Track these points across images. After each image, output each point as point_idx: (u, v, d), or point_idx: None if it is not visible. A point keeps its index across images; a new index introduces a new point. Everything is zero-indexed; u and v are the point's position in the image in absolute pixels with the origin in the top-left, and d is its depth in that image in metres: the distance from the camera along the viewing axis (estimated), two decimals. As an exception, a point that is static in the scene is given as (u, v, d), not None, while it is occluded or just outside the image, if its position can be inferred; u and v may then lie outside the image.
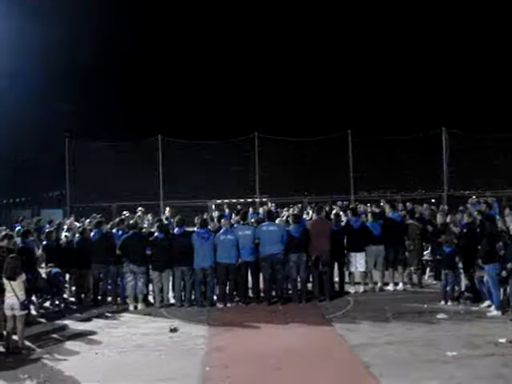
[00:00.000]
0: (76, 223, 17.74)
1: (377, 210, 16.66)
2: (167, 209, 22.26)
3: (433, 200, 26.13)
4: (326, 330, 11.11)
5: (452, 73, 40.52)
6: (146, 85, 41.15)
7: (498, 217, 14.44)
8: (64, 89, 36.40)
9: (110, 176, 27.33)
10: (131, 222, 15.07)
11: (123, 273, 13.87)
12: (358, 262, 14.43)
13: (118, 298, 14.13)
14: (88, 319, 12.77)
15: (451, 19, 41.46)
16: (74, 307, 14.05)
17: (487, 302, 12.18)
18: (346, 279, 14.69)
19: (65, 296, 14.50)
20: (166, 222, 16.43)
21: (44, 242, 14.60)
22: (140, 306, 13.61)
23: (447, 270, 12.92)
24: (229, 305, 13.52)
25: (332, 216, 15.50)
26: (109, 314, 13.13)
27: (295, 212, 17.29)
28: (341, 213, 16.89)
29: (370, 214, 15.40)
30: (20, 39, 30.20)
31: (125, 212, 18.69)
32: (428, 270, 15.94)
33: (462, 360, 8.84)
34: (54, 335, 11.40)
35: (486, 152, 27.01)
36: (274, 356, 9.35)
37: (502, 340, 9.72)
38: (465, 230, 13.13)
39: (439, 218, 15.06)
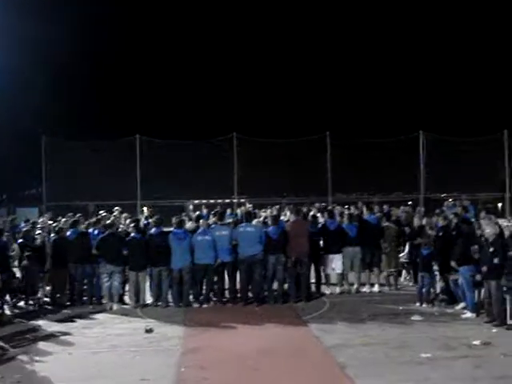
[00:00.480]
0: (49, 222, 17.55)
1: (356, 212, 16.69)
2: (144, 208, 22.16)
3: (410, 202, 26.29)
4: (302, 331, 11.13)
5: (430, 77, 40.90)
6: (125, 84, 40.93)
7: (473, 220, 14.60)
8: (41, 86, 36.08)
9: (87, 175, 27.15)
10: (108, 221, 14.97)
11: (99, 273, 13.79)
12: (335, 263, 14.51)
13: (94, 298, 14.05)
14: (63, 319, 12.65)
15: (429, 24, 41.86)
16: (49, 307, 13.91)
17: (462, 305, 12.29)
18: (322, 280, 14.75)
19: (39, 296, 14.34)
20: (145, 221, 16.37)
21: (20, 240, 14.44)
22: (115, 306, 13.53)
23: (424, 273, 13.02)
24: (205, 305, 13.50)
25: (309, 217, 15.55)
26: (84, 315, 13.00)
27: (273, 213, 17.29)
28: (318, 214, 16.91)
29: (346, 216, 15.47)
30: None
31: (101, 212, 18.54)
32: (404, 272, 16.03)
33: (437, 361, 8.90)
34: (28, 335, 11.25)
35: (462, 155, 27.26)
36: (250, 357, 9.35)
37: (476, 342, 9.81)
38: (440, 233, 13.25)
39: (416, 221, 15.18)
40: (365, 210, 16.30)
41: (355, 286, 14.75)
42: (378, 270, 15.05)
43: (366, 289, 14.79)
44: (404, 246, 15.22)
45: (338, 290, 14.64)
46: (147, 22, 43.11)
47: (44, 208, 26.78)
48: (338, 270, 14.61)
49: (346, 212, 16.70)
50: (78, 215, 16.72)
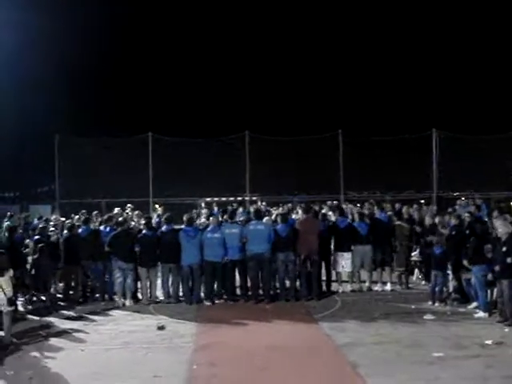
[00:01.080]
0: (62, 219, 17.66)
1: (366, 211, 16.67)
2: (156, 206, 22.22)
3: (422, 201, 26.18)
4: (313, 329, 11.14)
5: (443, 75, 40.66)
6: (138, 81, 41.01)
7: (486, 219, 14.54)
8: (54, 84, 36.25)
9: (100, 172, 27.19)
10: (120, 219, 15.06)
11: (112, 270, 13.89)
12: (345, 261, 14.53)
13: (106, 295, 14.13)
14: (75, 316, 12.74)
15: (440, 21, 41.62)
16: (62, 304, 14.00)
17: (474, 304, 12.25)
18: (334, 278, 14.76)
19: (52, 292, 14.42)
20: (157, 219, 16.44)
21: (36, 237, 14.53)
22: (128, 302, 13.62)
23: (437, 271, 12.97)
24: (217, 301, 13.58)
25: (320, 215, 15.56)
26: (96, 311, 13.10)
27: (285, 211, 17.35)
28: (330, 212, 16.91)
29: (356, 214, 15.50)
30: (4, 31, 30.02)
31: (116, 209, 18.63)
32: (416, 270, 15.98)
33: (448, 361, 8.89)
34: (41, 332, 11.32)
35: (475, 154, 27.08)
36: (261, 355, 9.38)
37: (488, 341, 9.79)
38: (453, 232, 13.20)
39: (427, 220, 15.13)
40: (375, 208, 16.27)
41: (367, 284, 14.75)
42: (390, 268, 15.01)
43: (377, 287, 14.77)
44: (417, 244, 15.18)
45: (349, 287, 14.66)
46: (160, 19, 43.14)
47: (57, 205, 26.92)
48: (348, 269, 14.63)
49: (356, 210, 16.73)
50: (95, 212, 16.84)
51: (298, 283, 14.01)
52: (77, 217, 16.86)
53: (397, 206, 18.31)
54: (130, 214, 17.84)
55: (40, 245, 13.75)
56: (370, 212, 16.09)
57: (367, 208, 17.07)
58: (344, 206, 20.19)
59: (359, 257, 14.62)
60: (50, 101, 35.33)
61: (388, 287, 14.74)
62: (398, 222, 15.25)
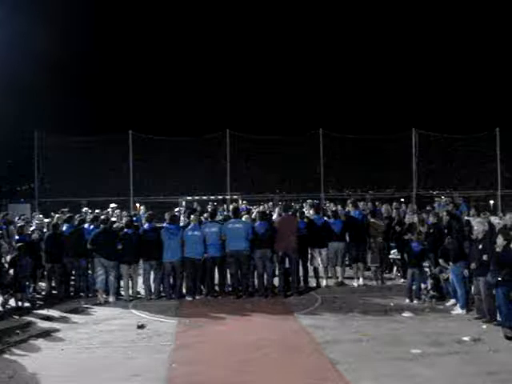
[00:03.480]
0: (45, 220, 17.57)
1: (346, 209, 16.90)
2: (137, 205, 22.17)
3: (402, 199, 26.38)
4: (294, 327, 11.17)
5: (423, 75, 41.03)
6: (119, 80, 40.93)
7: (466, 217, 14.72)
8: (33, 81, 35.99)
9: (80, 171, 27.02)
10: (102, 217, 15.14)
11: (94, 267, 13.92)
12: (321, 257, 14.94)
13: (89, 294, 14.15)
14: (55, 315, 12.65)
15: (422, 22, 42.00)
16: (41, 303, 13.92)
17: (452, 301, 12.38)
18: (311, 274, 15.04)
19: (31, 291, 14.33)
20: (134, 218, 16.47)
21: (16, 237, 14.48)
22: (110, 299, 13.71)
23: (414, 269, 13.07)
24: (197, 297, 13.77)
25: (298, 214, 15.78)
26: (77, 310, 13.05)
27: (265, 209, 17.51)
28: (311, 211, 17.06)
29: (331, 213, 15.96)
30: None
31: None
32: (395, 268, 16.16)
33: (427, 358, 8.96)
34: (20, 331, 11.23)
35: (455, 153, 27.36)
36: (241, 353, 9.40)
37: (466, 338, 9.88)
38: (431, 230, 13.34)
39: (407, 218, 15.32)
40: (350, 206, 16.55)
41: (339, 279, 15.16)
42: (363, 264, 15.31)
43: (353, 282, 15.21)
44: (395, 242, 15.34)
45: (324, 282, 15.06)
46: (142, 18, 43.10)
47: (36, 204, 26.71)
48: (324, 264, 15.08)
49: (332, 208, 17.05)
50: (78, 216, 16.78)
51: (276, 280, 14.14)
52: (57, 215, 16.77)
53: (377, 203, 18.47)
54: (110, 212, 17.84)
55: (19, 244, 13.70)
56: (347, 210, 16.38)
57: (350, 206, 17.30)
58: (330, 205, 20.49)
59: (333, 253, 15.06)
60: (29, 98, 35.08)
61: (361, 282, 15.18)
62: (372, 220, 15.47)
